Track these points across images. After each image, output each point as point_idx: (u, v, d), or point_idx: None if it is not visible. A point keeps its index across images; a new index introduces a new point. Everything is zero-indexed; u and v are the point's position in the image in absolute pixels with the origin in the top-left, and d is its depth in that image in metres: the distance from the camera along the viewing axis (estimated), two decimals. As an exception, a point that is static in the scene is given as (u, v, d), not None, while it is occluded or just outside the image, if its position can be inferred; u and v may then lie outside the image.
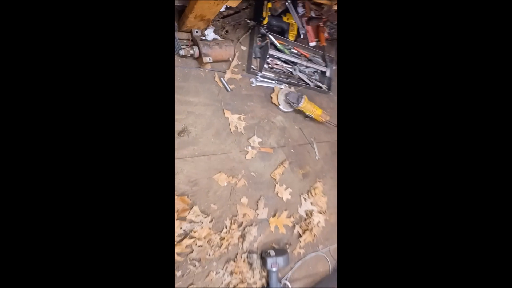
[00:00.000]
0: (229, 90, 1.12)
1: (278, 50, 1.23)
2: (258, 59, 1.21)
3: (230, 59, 1.09)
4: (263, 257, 1.08)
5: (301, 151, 1.31)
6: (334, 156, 1.42)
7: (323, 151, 1.38)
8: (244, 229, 1.10)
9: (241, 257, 1.08)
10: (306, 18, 1.34)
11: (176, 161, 0.99)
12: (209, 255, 1.02)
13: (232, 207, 1.09)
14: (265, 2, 1.15)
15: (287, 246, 1.19)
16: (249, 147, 1.15)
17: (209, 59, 0.99)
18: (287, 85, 1.28)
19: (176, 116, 1.00)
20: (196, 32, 1.01)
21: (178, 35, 0.99)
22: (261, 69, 1.19)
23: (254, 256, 1.09)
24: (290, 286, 1.13)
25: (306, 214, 1.26)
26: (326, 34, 1.42)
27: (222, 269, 1.04)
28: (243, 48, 1.19)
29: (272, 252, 1.07)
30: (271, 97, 1.24)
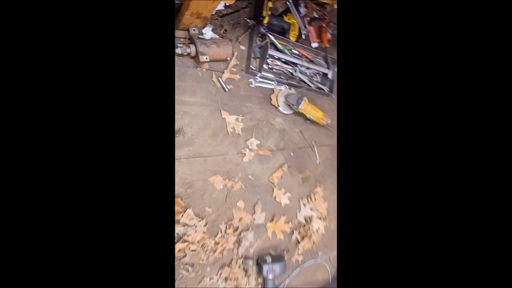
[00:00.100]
0: (227, 90, 1.09)
1: (278, 50, 1.21)
2: (258, 59, 1.18)
3: (228, 58, 1.06)
4: (259, 263, 1.05)
5: (301, 154, 1.28)
6: (336, 160, 1.38)
7: (324, 155, 1.34)
8: (240, 234, 1.07)
9: (236, 263, 1.05)
10: (308, 18, 1.31)
11: (170, 162, 0.97)
12: (203, 260, 0.99)
13: (227, 211, 1.06)
14: (266, 1, 1.13)
15: (285, 252, 1.15)
16: (247, 149, 1.12)
17: (206, 58, 0.96)
18: (287, 87, 1.25)
19: (172, 116, 0.98)
20: (194, 30, 0.99)
21: (175, 33, 0.97)
22: (260, 69, 1.16)
23: (250, 262, 1.06)
24: (286, 295, 1.09)
25: (305, 220, 1.22)
26: (328, 35, 1.39)
27: (216, 275, 1.01)
28: (242, 48, 1.16)
29: (269, 259, 1.05)
30: (271, 99, 1.21)
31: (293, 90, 1.26)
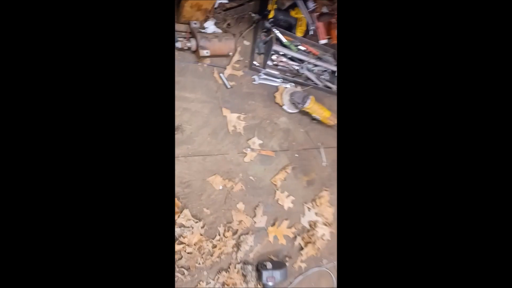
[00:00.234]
0: (229, 87, 1.05)
1: (284, 46, 1.15)
2: (262, 55, 1.13)
3: (231, 53, 1.02)
4: (259, 269, 1.01)
5: (306, 156, 1.22)
6: (344, 162, 1.31)
7: (331, 157, 1.28)
8: (239, 237, 1.02)
9: (235, 268, 1.00)
10: (317, 13, 1.25)
11: (167, 160, 0.94)
12: (200, 263, 0.95)
13: (227, 212, 1.02)
14: (271, -5, 1.08)
15: (287, 259, 1.10)
16: (248, 149, 1.07)
17: (206, 52, 0.92)
18: (293, 84, 1.19)
19: (170, 113, 0.95)
20: (195, 24, 0.95)
21: (175, 26, 0.94)
22: (264, 65, 1.11)
23: (249, 267, 1.01)
24: (287, 304, 1.03)
25: (310, 225, 1.16)
26: (338, 32, 1.33)
27: (213, 279, 0.97)
28: (246, 43, 1.11)
29: (269, 265, 1.00)
30: (275, 97, 1.16)
31: (299, 88, 1.20)
